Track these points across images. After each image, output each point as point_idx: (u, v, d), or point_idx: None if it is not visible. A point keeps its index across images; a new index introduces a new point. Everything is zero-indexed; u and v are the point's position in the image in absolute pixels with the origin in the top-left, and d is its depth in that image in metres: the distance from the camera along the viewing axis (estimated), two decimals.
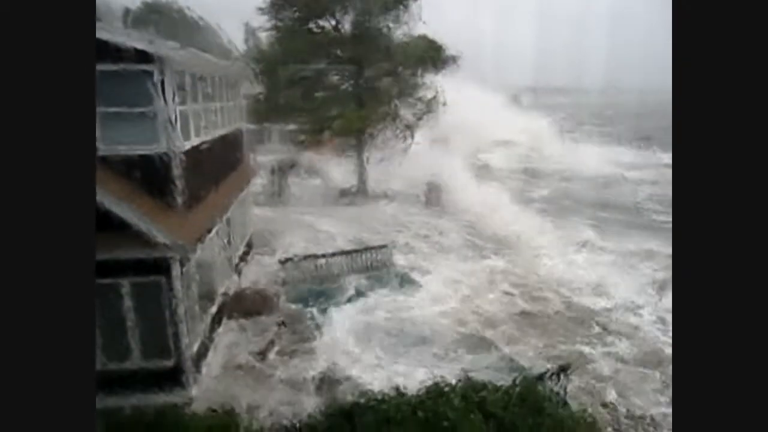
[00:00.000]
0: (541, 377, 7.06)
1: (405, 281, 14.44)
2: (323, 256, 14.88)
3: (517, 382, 6.49)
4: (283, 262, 14.36)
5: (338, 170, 25.68)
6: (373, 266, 15.05)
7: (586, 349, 11.19)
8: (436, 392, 6.28)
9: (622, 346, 11.41)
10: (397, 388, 6.61)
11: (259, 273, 14.44)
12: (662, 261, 15.89)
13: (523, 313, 12.80)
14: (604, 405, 9.05)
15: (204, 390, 8.74)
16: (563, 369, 6.83)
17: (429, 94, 24.02)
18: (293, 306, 12.71)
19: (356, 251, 15.39)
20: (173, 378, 8.30)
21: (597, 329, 12.12)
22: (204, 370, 9.27)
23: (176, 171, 8.32)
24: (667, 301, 13.46)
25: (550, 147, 40.74)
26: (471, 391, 6.20)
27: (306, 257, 14.72)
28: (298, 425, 6.48)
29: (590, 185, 27.99)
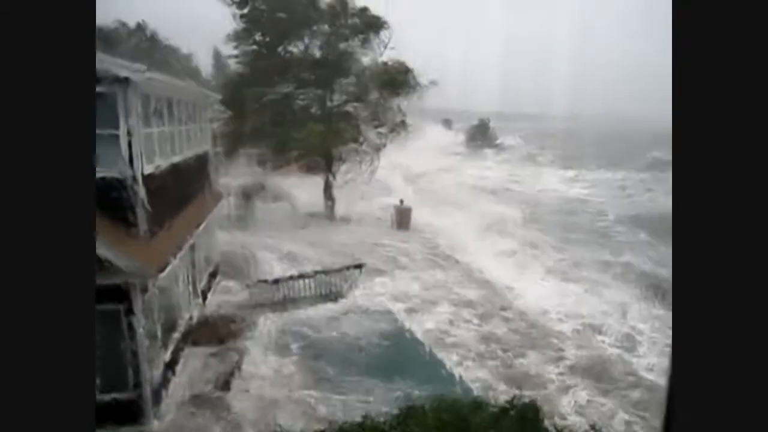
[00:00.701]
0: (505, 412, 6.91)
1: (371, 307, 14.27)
2: (290, 278, 14.62)
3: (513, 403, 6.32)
4: (249, 287, 14.07)
5: (305, 193, 25.55)
6: (339, 289, 14.81)
7: (542, 366, 11.29)
8: (408, 414, 6.07)
9: (573, 355, 11.65)
10: (365, 417, 6.44)
11: (225, 298, 14.10)
12: (625, 280, 16.33)
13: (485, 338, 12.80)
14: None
15: (165, 423, 8.37)
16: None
17: (397, 119, 24.30)
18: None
19: (324, 272, 15.08)
20: (132, 411, 7.94)
21: (555, 348, 12.23)
22: (164, 403, 8.90)
23: (138, 195, 8.11)
24: (632, 320, 13.78)
25: (516, 171, 41.59)
26: (446, 412, 6.02)
27: (273, 281, 14.45)
28: None
29: (553, 208, 28.64)
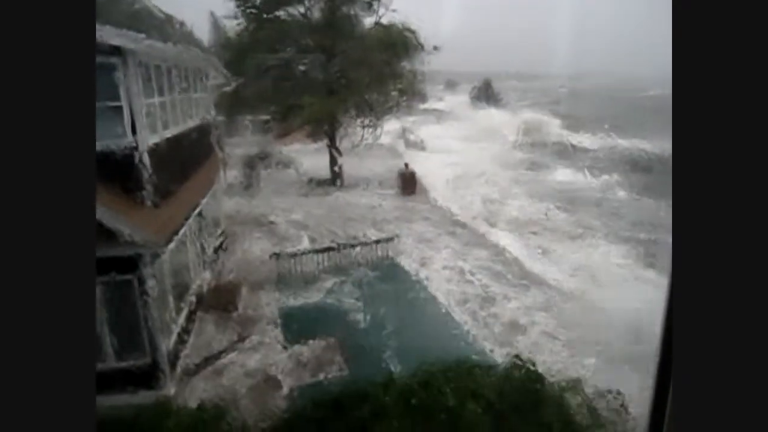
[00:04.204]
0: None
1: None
2: (315, 251, 14.02)
3: (511, 367, 6.35)
4: (273, 256, 13.67)
5: (310, 160, 25.43)
6: (370, 262, 14.11)
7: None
8: (425, 378, 6.05)
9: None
10: (389, 375, 6.51)
11: (237, 267, 14.24)
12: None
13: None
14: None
15: (181, 387, 8.64)
16: None
17: (401, 84, 23.95)
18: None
19: (351, 245, 14.28)
20: (150, 377, 8.19)
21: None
22: (179, 367, 9.16)
23: (144, 165, 8.13)
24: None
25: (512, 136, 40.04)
26: (463, 377, 6.02)
27: (294, 253, 13.92)
28: (287, 417, 6.33)
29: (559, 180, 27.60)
